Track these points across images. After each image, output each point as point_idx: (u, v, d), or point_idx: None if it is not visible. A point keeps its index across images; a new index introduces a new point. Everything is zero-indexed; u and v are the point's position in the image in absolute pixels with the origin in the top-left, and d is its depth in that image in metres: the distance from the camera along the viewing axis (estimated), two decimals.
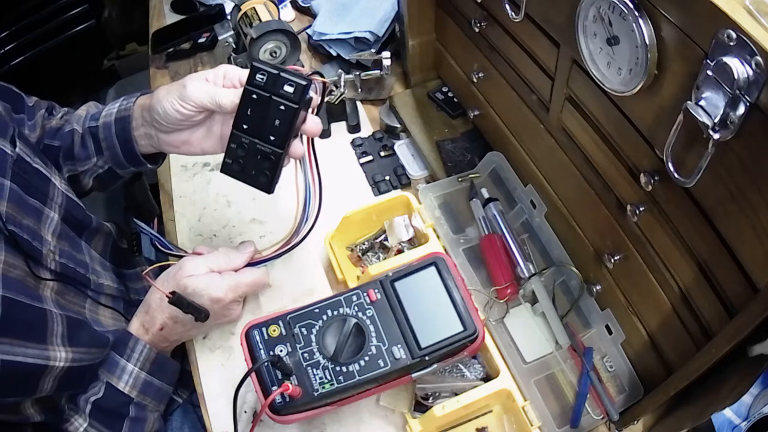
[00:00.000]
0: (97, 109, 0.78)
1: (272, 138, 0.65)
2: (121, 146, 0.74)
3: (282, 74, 0.62)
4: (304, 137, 0.69)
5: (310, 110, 0.67)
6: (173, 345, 0.74)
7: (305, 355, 0.60)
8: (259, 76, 0.63)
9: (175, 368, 0.73)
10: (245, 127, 0.65)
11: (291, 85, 0.62)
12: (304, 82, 0.62)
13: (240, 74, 0.67)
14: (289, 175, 0.93)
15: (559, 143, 0.70)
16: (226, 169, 0.68)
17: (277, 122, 0.64)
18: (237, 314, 0.76)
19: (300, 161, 0.71)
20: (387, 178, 0.94)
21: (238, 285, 0.72)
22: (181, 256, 0.78)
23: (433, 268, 0.65)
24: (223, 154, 0.68)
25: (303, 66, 1.10)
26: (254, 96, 0.63)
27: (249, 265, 0.76)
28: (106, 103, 0.79)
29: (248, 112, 0.64)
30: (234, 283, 0.72)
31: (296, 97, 0.62)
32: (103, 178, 0.79)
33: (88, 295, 0.71)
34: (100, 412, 0.65)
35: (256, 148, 0.65)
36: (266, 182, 0.68)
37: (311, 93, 0.65)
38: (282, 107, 0.63)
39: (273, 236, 0.88)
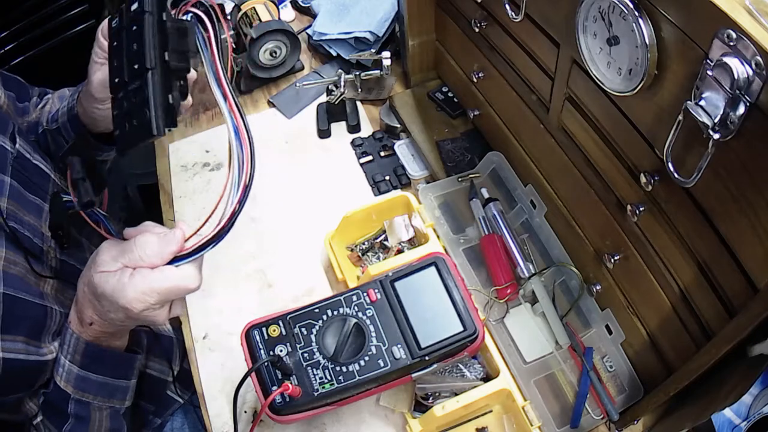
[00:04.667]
0: (57, 107, 0.77)
1: (136, 67, 0.51)
2: (90, 143, 0.75)
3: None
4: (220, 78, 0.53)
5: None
6: (122, 333, 0.64)
7: (305, 355, 0.60)
8: (114, 23, 0.54)
9: (120, 360, 0.64)
10: (117, 81, 0.52)
11: (137, 1, 0.52)
12: None
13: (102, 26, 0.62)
14: (293, 174, 0.94)
15: (559, 143, 0.70)
16: (121, 144, 0.52)
17: (134, 46, 0.51)
18: (162, 320, 0.58)
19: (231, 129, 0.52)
20: (387, 178, 0.94)
21: (148, 291, 0.54)
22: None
23: (433, 268, 0.65)
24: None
25: (303, 67, 1.11)
26: (115, 44, 0.53)
27: (179, 257, 0.56)
28: None
29: (114, 64, 0.53)
30: (145, 289, 0.54)
31: (145, 5, 0.51)
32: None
33: None
34: (48, 407, 0.63)
35: (131, 92, 0.51)
36: (146, 120, 0.49)
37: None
38: (134, 27, 0.51)
39: None
